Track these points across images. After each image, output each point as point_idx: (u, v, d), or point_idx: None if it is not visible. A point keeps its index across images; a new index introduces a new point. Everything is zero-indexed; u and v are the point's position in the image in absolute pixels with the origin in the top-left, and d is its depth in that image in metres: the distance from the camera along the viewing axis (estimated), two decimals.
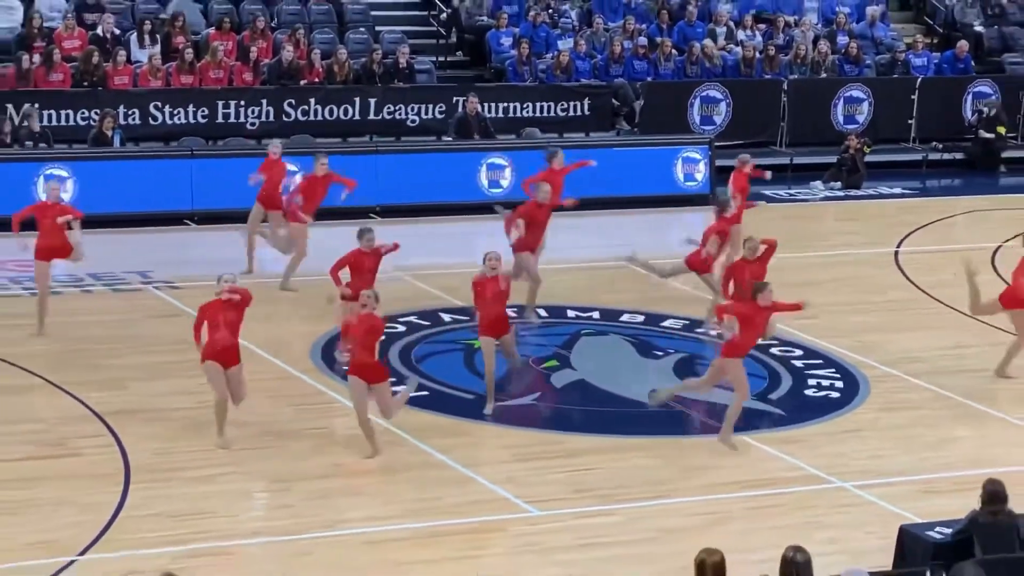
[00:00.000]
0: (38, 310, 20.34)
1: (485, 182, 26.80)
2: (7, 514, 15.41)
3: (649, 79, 30.24)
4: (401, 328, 20.94)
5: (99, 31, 27.63)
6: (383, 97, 28.21)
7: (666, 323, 21.66)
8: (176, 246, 23.99)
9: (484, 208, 24.29)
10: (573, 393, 19.43)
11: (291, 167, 23.77)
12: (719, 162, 28.71)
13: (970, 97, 32.29)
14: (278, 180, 22.57)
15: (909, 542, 14.05)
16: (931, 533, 13.96)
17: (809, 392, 19.58)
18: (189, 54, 27.70)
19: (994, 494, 13.45)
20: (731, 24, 31.84)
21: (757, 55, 31.40)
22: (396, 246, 19.41)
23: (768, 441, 17.98)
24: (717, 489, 16.80)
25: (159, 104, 27.11)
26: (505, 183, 26.96)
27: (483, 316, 18.11)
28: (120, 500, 15.81)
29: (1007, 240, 26.04)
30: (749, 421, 18.34)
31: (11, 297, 22.11)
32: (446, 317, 21.68)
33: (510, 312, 18.70)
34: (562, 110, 29.29)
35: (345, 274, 19.09)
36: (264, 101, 27.69)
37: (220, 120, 27.35)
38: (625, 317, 22.00)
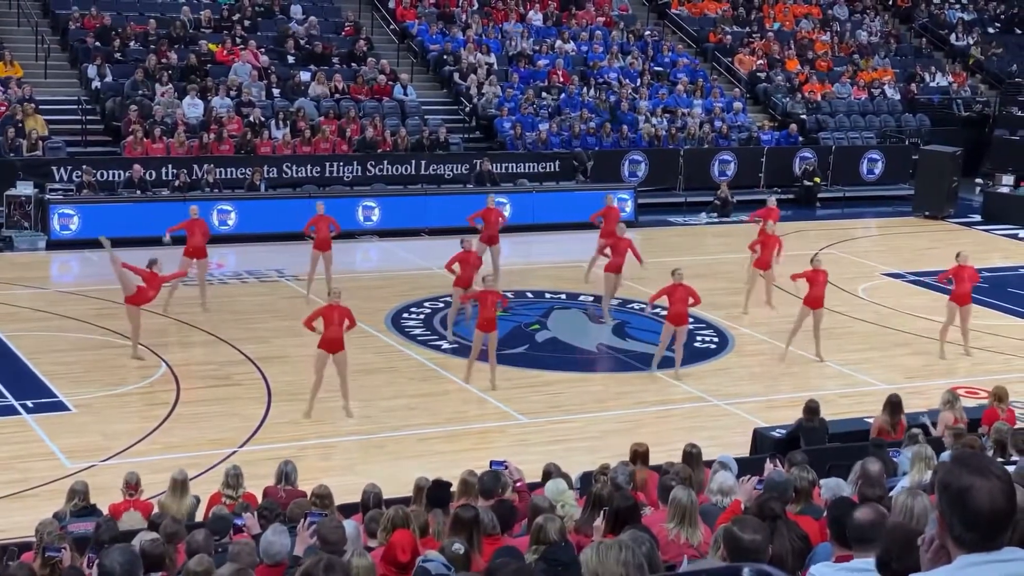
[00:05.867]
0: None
1: None
2: (195, 421, 15.48)
3: (596, 148, 30.14)
4: (440, 304, 20.90)
5: (251, 118, 27.56)
6: (430, 160, 28.10)
7: None
8: (299, 252, 23.96)
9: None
10: (549, 345, 19.40)
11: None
12: (640, 200, 28.71)
13: (797, 159, 32.18)
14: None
15: (760, 439, 14.09)
16: (773, 433, 13.99)
17: (696, 344, 19.56)
18: (308, 133, 27.63)
19: (812, 408, 13.49)
20: (648, 114, 31.73)
21: (664, 133, 31.32)
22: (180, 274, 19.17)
23: (671, 375, 17.97)
24: (638, 405, 16.82)
25: (289, 164, 27.00)
26: (506, 213, 26.86)
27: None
28: (265, 413, 15.84)
29: (821, 249, 26.04)
30: (660, 364, 18.32)
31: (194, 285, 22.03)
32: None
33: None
34: (541, 168, 29.16)
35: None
36: (355, 162, 27.57)
37: (327, 174, 27.23)
38: (581, 297, 21.97)
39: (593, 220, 22.66)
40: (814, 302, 18.45)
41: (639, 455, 10.80)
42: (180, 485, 10.94)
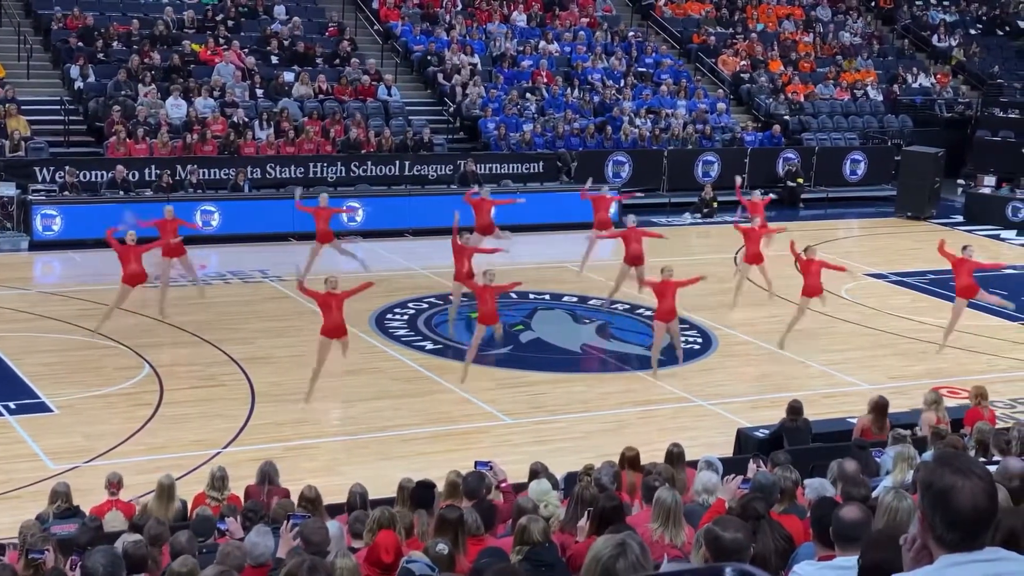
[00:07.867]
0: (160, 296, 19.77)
1: None
2: (179, 422, 15.43)
3: (580, 149, 30.16)
4: (424, 305, 20.90)
5: (235, 119, 27.50)
6: (414, 160, 28.06)
7: (590, 302, 21.67)
8: (283, 253, 23.91)
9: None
10: (533, 346, 19.40)
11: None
12: (624, 201, 28.68)
13: (781, 160, 32.26)
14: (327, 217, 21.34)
15: (743, 439, 14.08)
16: (756, 433, 13.98)
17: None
18: (291, 133, 27.58)
19: (795, 408, 13.50)
20: (631, 115, 31.76)
21: (648, 134, 31.35)
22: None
23: (655, 376, 17.97)
24: (622, 405, 16.82)
25: (272, 165, 26.93)
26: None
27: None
28: (248, 414, 15.80)
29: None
30: (643, 364, 18.33)
31: (179, 287, 21.94)
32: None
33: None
34: (525, 168, 29.15)
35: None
36: (339, 163, 27.52)
37: (311, 175, 27.17)
38: (565, 298, 21.98)
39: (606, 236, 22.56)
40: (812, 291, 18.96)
41: (626, 459, 10.78)
42: (167, 491, 10.88)
